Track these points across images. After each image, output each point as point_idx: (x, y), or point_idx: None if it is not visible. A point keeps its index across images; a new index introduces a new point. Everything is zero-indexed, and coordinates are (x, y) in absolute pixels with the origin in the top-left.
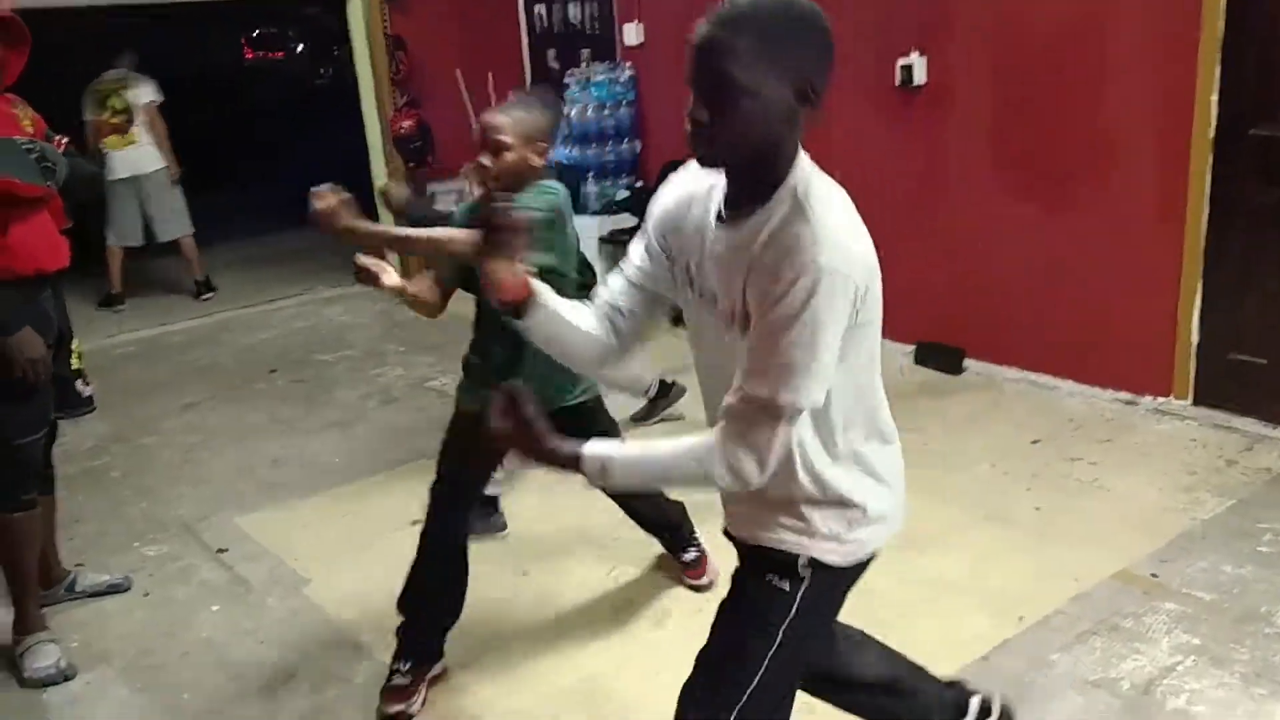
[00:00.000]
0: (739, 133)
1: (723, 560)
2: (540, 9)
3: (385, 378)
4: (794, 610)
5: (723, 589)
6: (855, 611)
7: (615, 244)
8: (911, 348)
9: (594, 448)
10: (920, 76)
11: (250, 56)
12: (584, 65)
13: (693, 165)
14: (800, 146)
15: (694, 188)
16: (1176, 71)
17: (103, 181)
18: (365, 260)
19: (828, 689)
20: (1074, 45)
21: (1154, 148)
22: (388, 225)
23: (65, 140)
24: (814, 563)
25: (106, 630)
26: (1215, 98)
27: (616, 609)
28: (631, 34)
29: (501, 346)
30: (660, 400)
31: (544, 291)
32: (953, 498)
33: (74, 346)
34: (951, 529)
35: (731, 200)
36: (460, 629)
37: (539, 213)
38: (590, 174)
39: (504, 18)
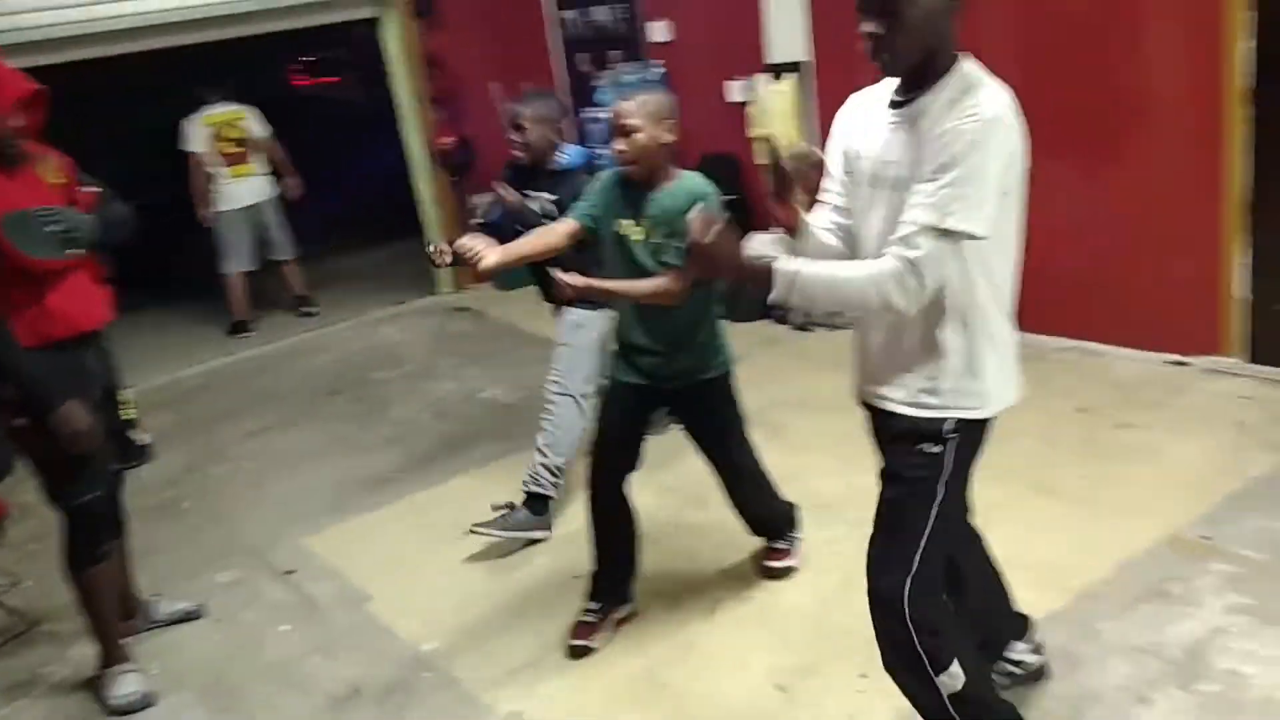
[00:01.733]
0: (909, 34)
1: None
2: (570, 14)
3: (437, 392)
4: (947, 468)
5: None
6: None
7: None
8: None
9: (785, 263)
10: None
11: (303, 84)
12: (614, 66)
13: (849, 102)
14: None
15: (858, 107)
16: (1206, 22)
17: (133, 220)
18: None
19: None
20: (1102, 3)
21: (1188, 101)
22: (513, 250)
23: (93, 189)
24: (958, 423)
25: (183, 656)
26: (1252, 44)
27: (668, 602)
28: (658, 32)
29: (643, 324)
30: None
31: (804, 218)
32: (1000, 472)
33: (124, 397)
34: (998, 503)
35: (905, 88)
36: (525, 629)
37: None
38: None
39: (533, 26)
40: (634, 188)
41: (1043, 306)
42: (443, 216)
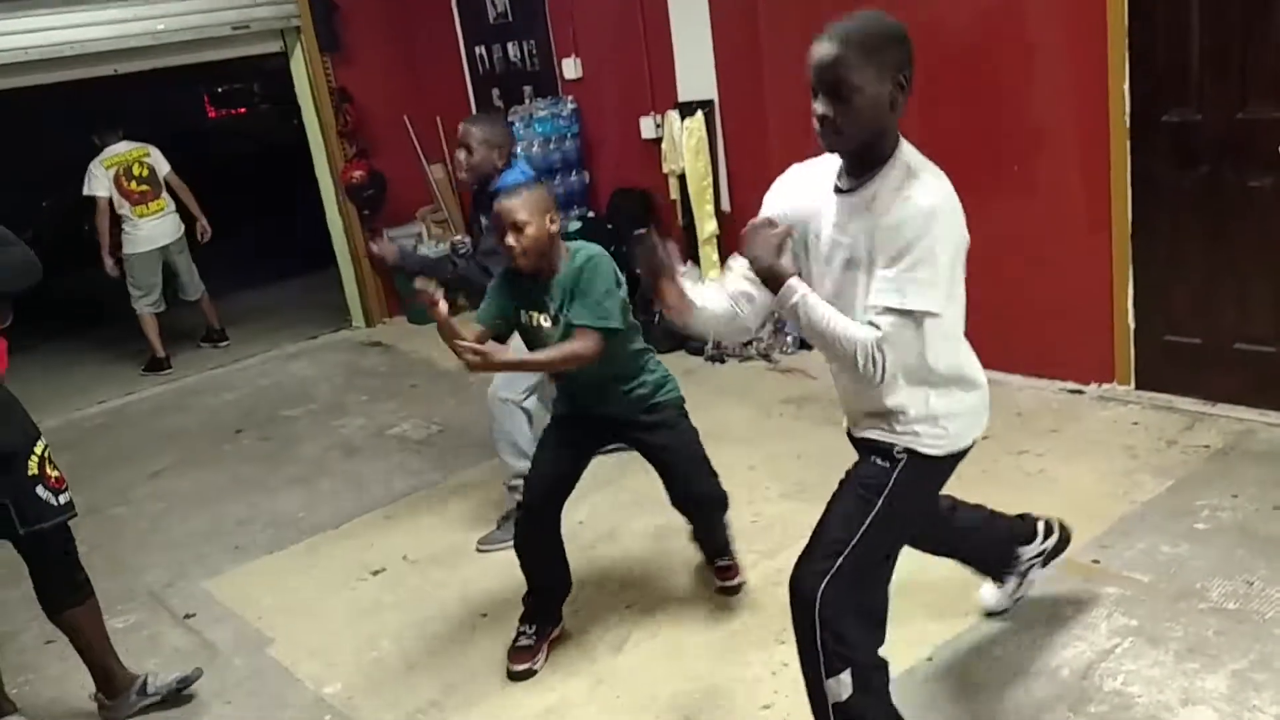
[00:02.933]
0: (857, 120)
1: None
2: (480, 50)
3: (347, 428)
4: (890, 484)
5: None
6: None
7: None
8: None
9: (797, 283)
10: None
11: (214, 115)
12: (527, 102)
13: (790, 172)
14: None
15: (802, 181)
16: (1090, 63)
17: (37, 265)
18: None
19: (930, 543)
20: (991, 43)
21: (1076, 140)
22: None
23: None
24: (909, 450)
25: (79, 707)
26: (1126, 86)
27: (577, 638)
28: (570, 68)
29: (577, 388)
30: None
31: (695, 297)
32: None
33: (37, 451)
34: None
35: (849, 172)
36: (429, 670)
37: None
38: None
39: (446, 62)
40: (531, 279)
41: None
42: (353, 249)
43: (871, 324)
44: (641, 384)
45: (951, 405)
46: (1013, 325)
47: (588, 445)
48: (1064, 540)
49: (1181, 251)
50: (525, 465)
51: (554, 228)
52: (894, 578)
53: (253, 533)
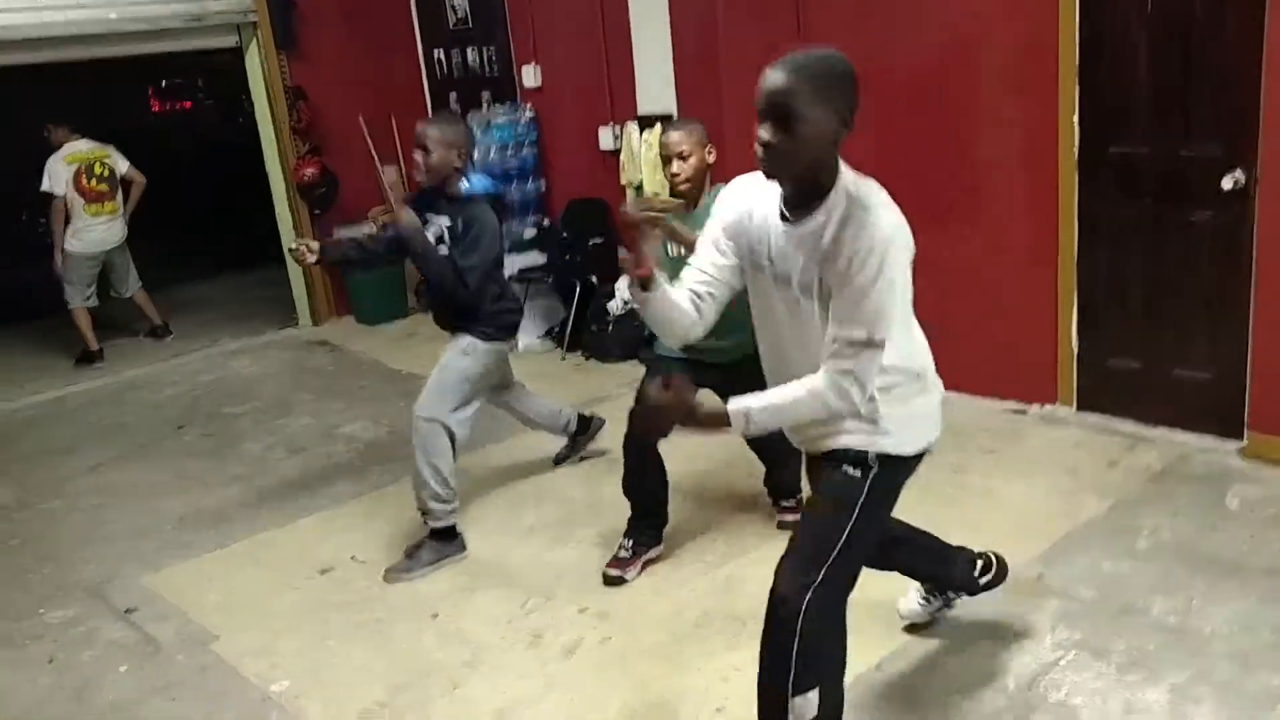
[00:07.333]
0: (799, 150)
1: None
2: (439, 53)
3: (292, 427)
4: (866, 491)
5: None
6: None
7: (525, 282)
8: None
9: (736, 403)
10: None
11: (157, 109)
12: (485, 108)
13: (735, 184)
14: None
15: (748, 200)
16: (1042, 97)
17: None
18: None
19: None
20: (945, 76)
21: (1025, 170)
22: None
23: None
24: (880, 456)
25: (9, 702)
26: (1076, 119)
27: (530, 641)
28: (530, 76)
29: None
30: (580, 437)
31: (660, 277)
32: None
33: None
34: None
35: (792, 203)
36: (378, 670)
37: None
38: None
39: (404, 64)
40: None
41: None
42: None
43: (838, 357)
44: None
45: (908, 407)
46: (958, 345)
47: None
48: (1000, 575)
49: (1124, 280)
50: (444, 491)
51: (711, 159)
52: None
53: (196, 529)
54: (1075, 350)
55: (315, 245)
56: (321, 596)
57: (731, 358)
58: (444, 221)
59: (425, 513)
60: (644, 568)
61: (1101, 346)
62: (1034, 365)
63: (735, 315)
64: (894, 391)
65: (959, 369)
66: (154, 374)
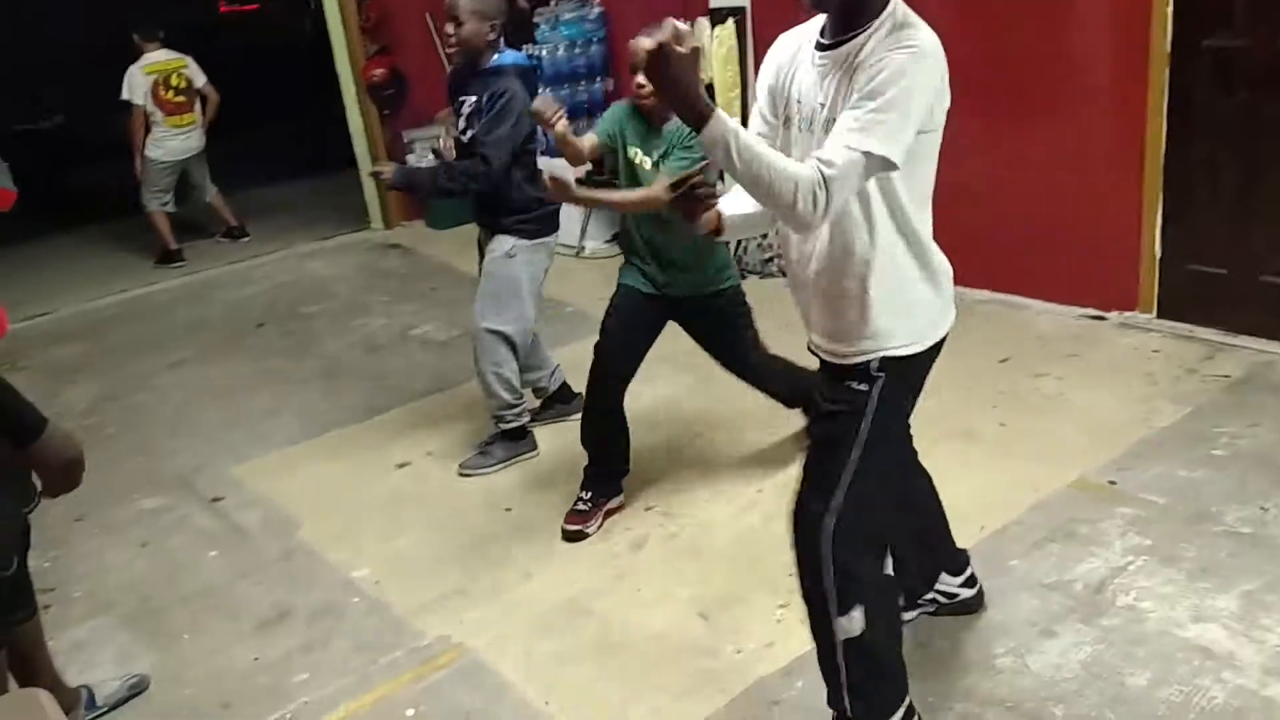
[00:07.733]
0: None
1: None
2: None
3: (369, 327)
4: (872, 405)
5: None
6: None
7: (591, 184)
8: None
9: (728, 119)
10: None
11: (224, 10)
12: (553, 4)
13: (778, 42)
14: None
15: (788, 47)
16: None
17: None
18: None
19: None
20: None
21: (1112, 63)
22: (604, 193)
23: None
24: (884, 360)
25: (108, 580)
26: (1170, 9)
27: (598, 536)
28: None
29: (653, 231)
30: (558, 404)
31: (725, 211)
32: (923, 418)
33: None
34: (920, 448)
35: (834, 30)
36: (454, 560)
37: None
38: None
39: None
40: (646, 122)
41: (967, 260)
42: (373, 150)
43: (822, 160)
44: (707, 264)
45: (916, 290)
46: (1036, 250)
47: (656, 321)
48: (976, 599)
49: (1214, 181)
50: (513, 398)
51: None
52: None
53: (279, 423)
54: (1158, 254)
55: (388, 165)
56: (399, 489)
57: (696, 290)
58: (471, 99)
59: (496, 417)
60: (604, 519)
61: (1185, 250)
62: (1115, 270)
63: (701, 247)
64: (894, 274)
65: (1036, 275)
66: (232, 274)
